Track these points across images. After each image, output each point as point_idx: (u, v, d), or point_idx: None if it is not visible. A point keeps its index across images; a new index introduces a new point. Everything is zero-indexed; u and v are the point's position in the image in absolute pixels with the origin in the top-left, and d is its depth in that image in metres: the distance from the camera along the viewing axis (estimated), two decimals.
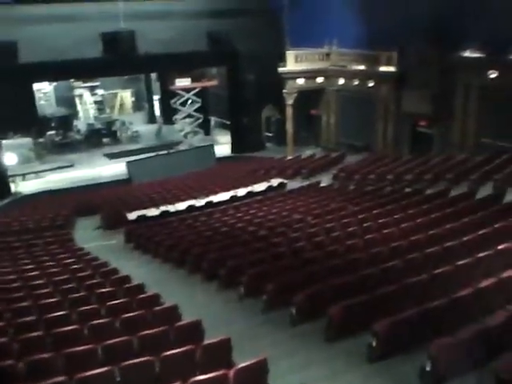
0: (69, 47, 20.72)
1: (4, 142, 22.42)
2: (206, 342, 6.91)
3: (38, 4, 19.84)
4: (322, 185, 18.01)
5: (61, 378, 6.24)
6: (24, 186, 22.01)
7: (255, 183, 18.64)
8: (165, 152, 25.72)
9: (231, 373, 5.91)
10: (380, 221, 11.68)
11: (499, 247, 8.49)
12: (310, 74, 23.81)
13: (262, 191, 17.97)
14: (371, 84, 21.98)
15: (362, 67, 22.66)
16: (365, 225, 11.63)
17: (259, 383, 6.11)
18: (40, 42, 20.21)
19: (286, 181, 19.00)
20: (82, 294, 9.60)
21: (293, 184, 18.90)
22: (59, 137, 27.62)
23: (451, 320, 6.77)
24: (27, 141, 25.05)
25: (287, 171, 20.34)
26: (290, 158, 23.98)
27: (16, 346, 7.58)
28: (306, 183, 18.65)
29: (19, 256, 13.30)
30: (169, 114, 30.31)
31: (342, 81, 23.52)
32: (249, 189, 18.04)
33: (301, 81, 23.75)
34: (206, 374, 5.90)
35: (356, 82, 22.78)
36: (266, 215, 14.24)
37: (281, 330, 7.88)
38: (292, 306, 7.97)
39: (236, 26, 23.90)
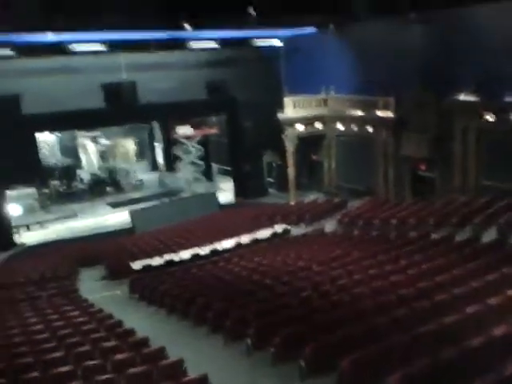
0: (71, 98, 21.22)
1: (8, 192, 22.59)
2: None
3: (40, 57, 20.45)
4: (325, 230, 18.01)
5: None
6: (28, 237, 22.02)
7: (259, 229, 18.65)
8: (167, 200, 25.89)
9: None
10: (386, 267, 11.62)
11: (509, 293, 8.41)
12: (308, 120, 24.27)
13: (266, 238, 17.94)
14: (370, 129, 22.37)
15: (359, 113, 23.11)
16: (370, 272, 11.55)
17: None
18: (43, 93, 20.74)
19: (289, 227, 19.01)
20: (86, 348, 9.45)
21: (297, 230, 18.91)
22: (63, 186, 27.88)
23: (464, 370, 6.64)
24: (31, 191, 25.28)
25: (291, 217, 20.37)
26: (292, 203, 24.08)
27: None
28: (309, 229, 18.66)
29: (23, 309, 13.18)
30: (171, 162, 30.66)
31: (340, 126, 23.93)
32: (253, 235, 18.03)
33: (300, 127, 24.18)
34: None
35: (355, 127, 23.18)
36: (270, 263, 14.17)
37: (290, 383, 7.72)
38: (301, 358, 7.82)
39: (234, 75, 24.62)
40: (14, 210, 22.34)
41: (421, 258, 11.99)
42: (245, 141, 26.04)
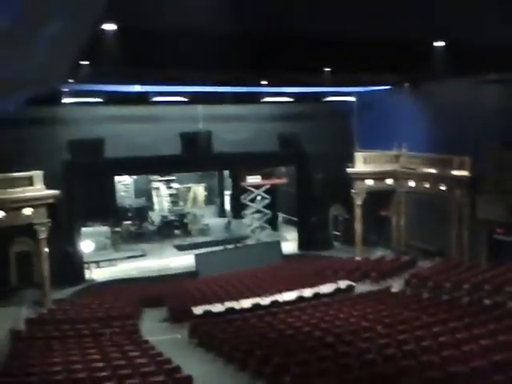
0: (150, 145, 22.42)
1: (83, 229, 23.77)
2: None
3: (124, 105, 21.86)
4: (392, 290, 17.31)
5: None
6: (97, 273, 22.85)
7: (322, 284, 18.26)
8: (232, 246, 26.10)
9: None
10: (457, 335, 10.91)
11: None
12: (378, 176, 23.93)
13: (329, 293, 17.51)
14: (443, 187, 21.65)
15: (432, 170, 22.50)
16: (441, 339, 10.89)
17: None
18: (124, 139, 22.06)
19: (354, 283, 18.48)
20: None
21: (362, 287, 18.34)
22: (135, 227, 28.96)
23: None
24: (105, 229, 26.46)
25: (355, 273, 19.84)
26: (358, 259, 23.47)
27: None
28: (375, 287, 18.03)
29: (87, 345, 13.54)
30: (238, 209, 31.12)
31: (412, 183, 23.37)
32: (315, 290, 17.66)
33: (369, 181, 23.86)
34: None
35: (427, 185, 22.54)
36: (333, 320, 13.74)
37: None
38: None
39: (305, 128, 25.03)
40: (86, 246, 23.37)
41: (496, 327, 11.18)
42: (313, 192, 26.04)
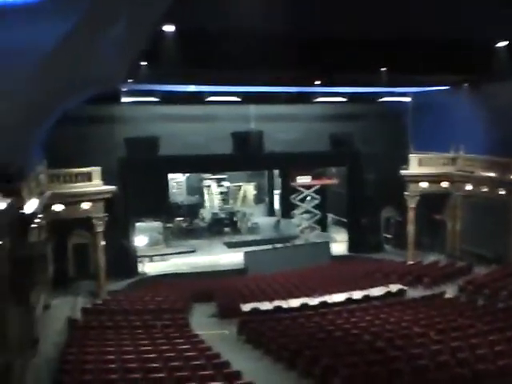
0: (202, 143, 22.84)
1: (138, 224, 24.51)
2: None
3: (179, 105, 22.36)
4: (446, 296, 16.81)
5: None
6: (150, 267, 23.52)
7: (372, 287, 17.98)
8: (281, 245, 26.15)
9: None
10: None
11: None
12: (433, 178, 23.27)
13: (379, 296, 17.23)
14: (502, 192, 20.78)
15: (491, 174, 21.64)
16: (497, 348, 10.49)
17: None
18: (177, 137, 22.58)
19: (405, 287, 18.08)
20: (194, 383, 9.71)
21: (413, 292, 17.92)
22: (186, 223, 29.59)
23: None
24: (157, 225, 27.19)
25: (407, 277, 19.39)
26: (410, 262, 22.93)
27: None
28: (427, 292, 17.56)
29: (139, 336, 13.97)
30: (287, 209, 31.14)
31: (469, 186, 22.57)
32: (365, 292, 17.42)
33: (424, 184, 23.24)
34: None
35: (485, 189, 21.71)
36: (383, 324, 13.52)
37: None
38: None
39: (358, 128, 24.72)
40: (140, 240, 24.08)
41: None
42: (364, 194, 25.67)
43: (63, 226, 19.57)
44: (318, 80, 18.46)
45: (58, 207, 18.31)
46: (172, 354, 11.86)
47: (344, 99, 22.85)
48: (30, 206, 13.44)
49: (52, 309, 17.19)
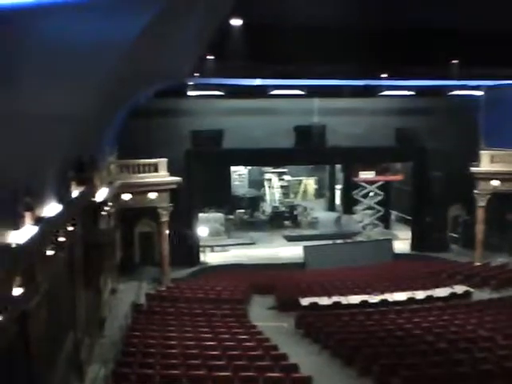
0: (265, 137, 22.93)
1: (200, 215, 25.09)
2: None
3: (243, 98, 22.55)
4: None
5: None
6: (211, 257, 24.03)
7: (436, 287, 17.41)
8: (341, 241, 25.86)
9: None
10: None
11: None
12: (507, 176, 22.09)
13: (443, 297, 16.65)
14: None
15: None
16: None
17: None
18: (241, 131, 22.81)
19: (472, 289, 17.36)
20: (251, 373, 9.86)
21: (480, 294, 17.18)
22: (247, 215, 29.97)
23: None
24: (219, 216, 27.72)
25: (474, 279, 18.60)
26: (477, 264, 21.96)
27: None
28: (495, 295, 16.78)
29: (199, 323, 14.35)
30: (349, 204, 30.70)
31: None
32: (429, 292, 16.89)
33: (495, 182, 22.13)
34: None
35: None
36: (447, 325, 13.08)
37: None
38: None
39: (425, 123, 23.85)
40: (202, 231, 24.63)
41: None
42: (430, 191, 24.80)
43: (130, 214, 20.45)
44: (384, 73, 17.99)
45: (126, 196, 19.12)
46: (231, 343, 12.12)
47: (411, 93, 22.12)
48: (101, 194, 14.13)
49: (118, 293, 18.01)
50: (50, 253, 8.30)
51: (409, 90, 21.99)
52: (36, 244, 7.31)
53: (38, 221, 7.54)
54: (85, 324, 11.53)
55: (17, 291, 6.55)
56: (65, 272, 10.52)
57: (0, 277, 5.76)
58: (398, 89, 21.74)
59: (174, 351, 11.47)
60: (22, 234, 6.78)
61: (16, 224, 6.75)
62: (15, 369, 6.81)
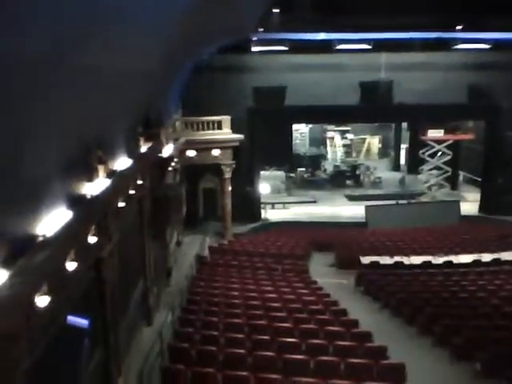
0: (329, 94, 22.37)
1: (262, 172, 25.29)
2: None
3: (307, 54, 21.97)
4: None
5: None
6: (271, 214, 24.33)
7: (505, 251, 16.76)
8: (405, 202, 25.29)
9: None
10: None
11: None
12: None
13: (511, 261, 16.04)
14: None
15: None
16: None
17: None
18: (304, 87, 22.34)
19: None
20: (312, 326, 10.09)
21: None
22: (308, 174, 29.87)
23: None
24: (280, 174, 27.82)
25: None
26: None
27: (250, 360, 8.39)
28: None
29: (260, 276, 14.74)
30: (414, 164, 29.76)
31: None
32: (496, 255, 16.31)
33: None
34: None
35: None
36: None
37: None
38: None
39: (501, 80, 22.30)
40: (264, 188, 24.87)
41: None
42: (503, 152, 23.50)
43: (195, 171, 20.98)
44: (459, 25, 16.86)
45: (190, 153, 19.56)
46: (291, 297, 12.38)
47: (487, 46, 20.66)
48: (167, 150, 14.53)
49: (183, 246, 18.75)
50: (121, 205, 8.73)
51: (485, 44, 20.55)
52: (109, 196, 7.69)
53: (111, 174, 7.91)
54: (153, 273, 12.15)
55: (92, 239, 6.98)
56: (135, 224, 11.05)
57: (76, 225, 6.13)
58: (474, 42, 20.38)
59: (236, 301, 11.89)
60: (96, 186, 7.15)
61: (90, 176, 7.11)
62: (91, 312, 7.35)
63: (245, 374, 7.64)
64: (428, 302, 11.71)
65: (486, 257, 16.26)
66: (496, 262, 16.03)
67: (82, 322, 5.77)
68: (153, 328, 10.78)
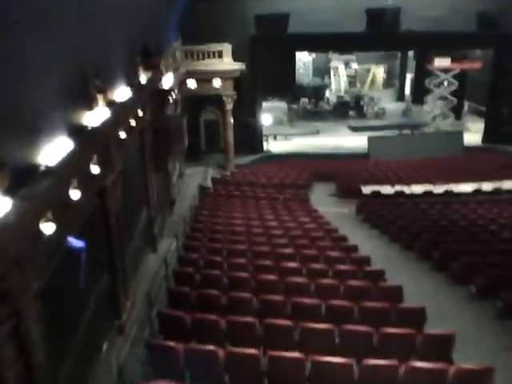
0: (333, 21, 21.49)
1: (264, 104, 24.92)
2: (429, 331, 6.80)
3: None
4: None
5: (287, 322, 6.98)
6: (274, 146, 24.25)
7: (507, 179, 16.81)
8: (408, 132, 25.10)
9: (451, 369, 5.71)
10: None
11: None
12: None
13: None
14: None
15: None
16: None
17: None
18: (308, 14, 21.45)
19: None
20: (312, 251, 10.35)
21: None
22: (311, 105, 29.45)
23: None
24: (283, 105, 27.40)
25: None
26: None
27: (253, 283, 8.68)
28: None
29: (263, 206, 14.95)
30: (419, 94, 29.18)
31: None
32: (497, 184, 16.41)
33: None
34: (424, 361, 5.81)
35: None
36: None
37: None
38: None
39: (511, 7, 21.37)
40: (266, 119, 24.58)
41: None
42: (511, 81, 22.95)
43: (196, 102, 20.68)
44: None
45: (191, 84, 19.18)
46: (292, 225, 12.62)
47: None
48: (167, 80, 14.26)
49: (185, 177, 18.88)
50: (123, 135, 8.70)
51: None
52: (110, 126, 7.65)
53: (110, 104, 7.82)
54: (157, 202, 12.33)
55: (95, 169, 7.01)
56: (137, 155, 11.08)
57: (79, 155, 6.14)
58: None
59: (238, 229, 12.14)
60: (96, 116, 7.09)
61: (89, 105, 7.04)
62: (97, 239, 7.54)
63: (247, 295, 7.94)
64: (427, 229, 11.95)
65: (487, 186, 16.37)
66: (496, 191, 16.17)
67: (79, 243, 5.96)
68: (158, 254, 11.10)
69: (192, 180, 18.32)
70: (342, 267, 9.20)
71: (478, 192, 16.07)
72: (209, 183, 17.79)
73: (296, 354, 6.10)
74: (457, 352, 6.38)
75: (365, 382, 5.88)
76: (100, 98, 7.49)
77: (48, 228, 5.07)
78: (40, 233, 4.97)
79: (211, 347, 6.17)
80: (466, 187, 16.41)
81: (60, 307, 5.78)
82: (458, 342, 6.41)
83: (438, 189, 16.36)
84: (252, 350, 6.18)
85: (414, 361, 5.89)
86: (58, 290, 5.62)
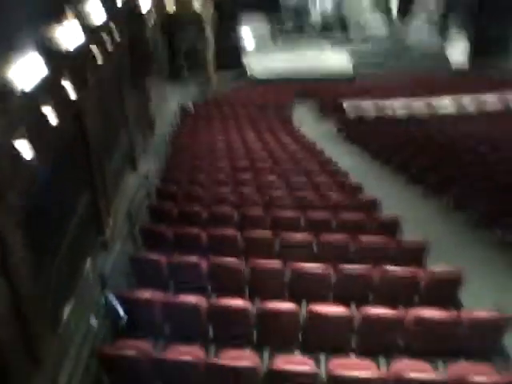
0: None
1: (245, 25, 23.86)
2: (403, 238, 7.05)
3: None
4: None
5: (268, 232, 7.15)
6: (256, 67, 23.55)
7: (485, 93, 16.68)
8: (393, 51, 24.57)
9: (422, 272, 5.97)
10: None
11: None
12: None
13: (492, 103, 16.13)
14: None
15: None
16: None
17: (450, 293, 5.91)
18: None
19: None
20: (291, 166, 10.45)
21: None
22: (293, 24, 28.28)
23: None
24: (266, 25, 26.37)
25: None
26: None
27: (233, 198, 8.74)
28: None
29: (244, 125, 14.84)
30: (406, 12, 28.10)
31: None
32: (477, 99, 16.26)
33: None
34: (398, 266, 6.08)
35: None
36: (491, 132, 12.95)
37: (491, 252, 7.48)
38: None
39: None
40: (247, 40, 23.65)
41: None
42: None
43: (175, 23, 19.76)
44: None
45: (170, 6, 18.24)
46: (275, 145, 12.55)
47: None
48: (144, 3, 13.59)
49: (166, 99, 18.43)
50: (99, 58, 8.40)
51: None
52: (85, 48, 7.34)
53: (86, 27, 7.40)
54: (136, 122, 12.13)
55: (71, 93, 6.77)
56: (114, 78, 10.75)
57: (53, 76, 5.90)
58: None
59: (219, 146, 12.12)
60: (68, 33, 6.68)
61: (58, 18, 6.65)
62: (77, 160, 7.50)
63: (228, 208, 8.08)
64: (405, 146, 12.05)
65: (466, 99, 16.25)
66: (480, 107, 16.06)
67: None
68: (138, 173, 11.02)
69: (172, 101, 17.92)
70: (320, 179, 9.36)
71: (460, 110, 16.01)
72: (190, 104, 17.45)
73: (275, 262, 6.30)
74: (431, 259, 6.61)
75: (341, 286, 6.13)
76: (69, 14, 7.12)
77: (23, 146, 4.97)
78: (19, 156, 4.87)
79: (194, 258, 6.34)
80: (444, 102, 16.32)
81: (43, 229, 5.84)
82: (433, 249, 6.63)
83: (420, 103, 16.21)
84: (233, 260, 6.36)
85: (387, 265, 6.11)
86: (39, 213, 5.66)
